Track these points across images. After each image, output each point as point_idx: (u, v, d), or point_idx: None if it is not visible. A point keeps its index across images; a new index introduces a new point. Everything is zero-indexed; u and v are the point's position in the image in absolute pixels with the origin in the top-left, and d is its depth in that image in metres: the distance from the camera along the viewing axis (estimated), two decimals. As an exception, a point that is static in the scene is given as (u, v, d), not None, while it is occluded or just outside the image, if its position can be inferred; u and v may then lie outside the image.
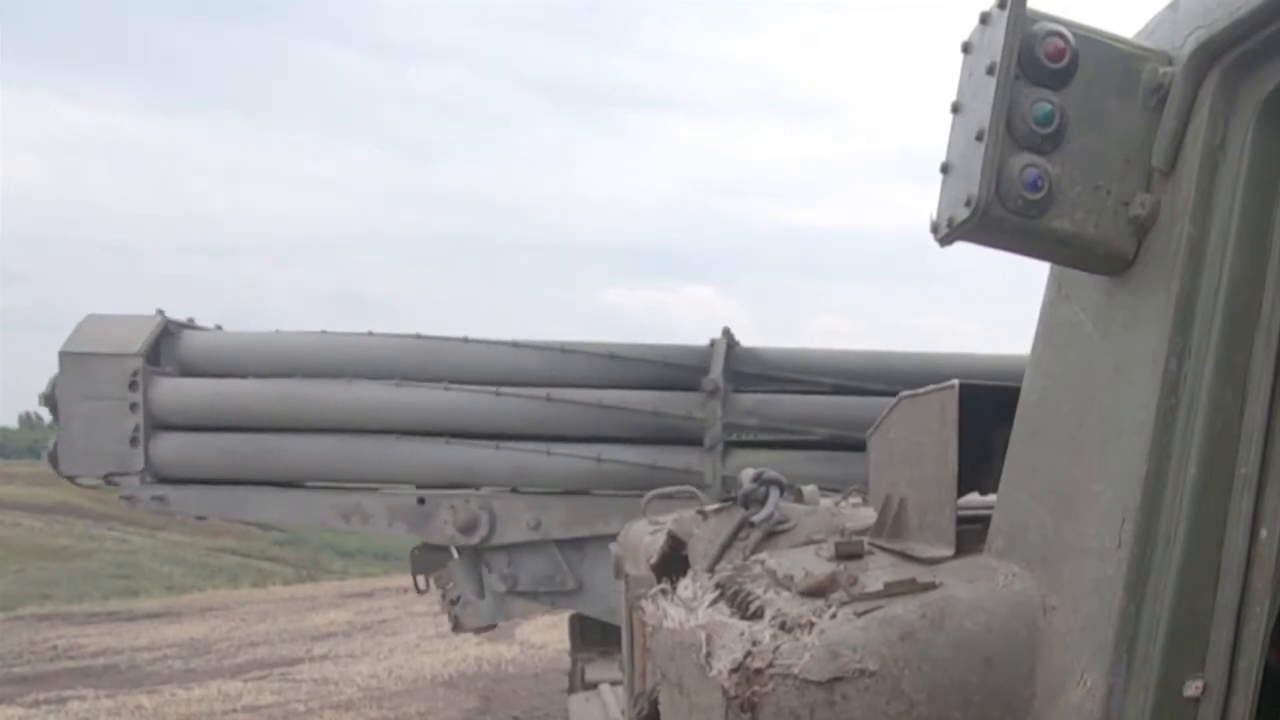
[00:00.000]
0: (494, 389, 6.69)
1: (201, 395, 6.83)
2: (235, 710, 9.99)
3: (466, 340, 6.91)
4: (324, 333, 7.18)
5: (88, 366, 6.62)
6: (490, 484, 6.80)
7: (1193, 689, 1.15)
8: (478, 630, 7.44)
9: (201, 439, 6.76)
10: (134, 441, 6.61)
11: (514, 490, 6.82)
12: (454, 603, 6.99)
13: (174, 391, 6.81)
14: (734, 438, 6.72)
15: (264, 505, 7.12)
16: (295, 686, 10.97)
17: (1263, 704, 1.15)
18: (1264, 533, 1.14)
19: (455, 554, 6.97)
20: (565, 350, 6.83)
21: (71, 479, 7.00)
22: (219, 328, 7.27)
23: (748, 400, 6.73)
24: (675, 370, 6.78)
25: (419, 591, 7.75)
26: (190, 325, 7.06)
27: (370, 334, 7.09)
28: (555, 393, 6.67)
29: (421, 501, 6.79)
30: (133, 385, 6.60)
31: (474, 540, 6.71)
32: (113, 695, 10.49)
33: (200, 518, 8.31)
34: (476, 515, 6.69)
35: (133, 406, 6.60)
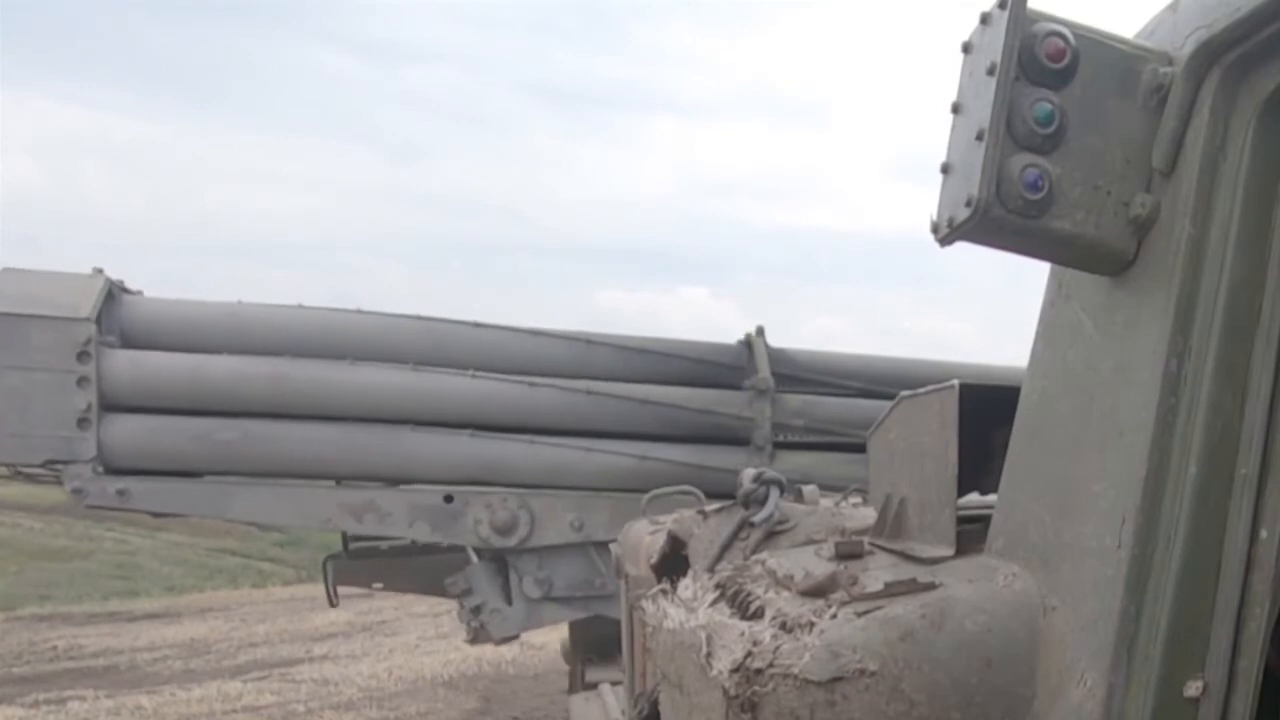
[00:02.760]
0: (527, 380, 6.13)
1: (170, 372, 5.82)
2: (235, 710, 9.98)
3: (478, 325, 6.27)
4: (301, 307, 6.25)
5: (20, 331, 5.49)
6: (522, 482, 6.17)
7: (1193, 689, 1.15)
8: (502, 641, 6.71)
9: (168, 423, 5.80)
10: (83, 423, 5.54)
11: (551, 488, 6.21)
12: (476, 611, 6.29)
13: (133, 366, 5.77)
14: (780, 438, 6.47)
15: (254, 503, 6.08)
16: (295, 687, 10.97)
17: (1263, 704, 1.15)
18: (1264, 533, 1.13)
19: (474, 557, 6.33)
20: (591, 342, 6.38)
21: None
22: (140, 293, 6.24)
23: (793, 401, 6.51)
24: (708, 367, 6.47)
25: (332, 605, 7.06)
26: (124, 289, 6.04)
27: (359, 311, 6.21)
28: (595, 386, 6.20)
29: (449, 499, 6.08)
30: (82, 356, 5.52)
31: (511, 542, 6.11)
32: (113, 695, 10.48)
33: (157, 514, 6.82)
34: (515, 515, 6.09)
35: (81, 382, 5.53)
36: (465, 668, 11.76)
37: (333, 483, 6.22)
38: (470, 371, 6.06)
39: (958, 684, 1.26)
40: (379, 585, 7.48)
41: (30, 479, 5.99)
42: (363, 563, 6.78)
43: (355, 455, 6.02)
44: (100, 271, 5.86)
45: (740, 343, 6.61)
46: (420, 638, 13.69)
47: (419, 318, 6.22)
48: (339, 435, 5.97)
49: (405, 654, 12.76)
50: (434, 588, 7.18)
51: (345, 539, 6.78)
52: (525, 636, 12.62)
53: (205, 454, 5.84)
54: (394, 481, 6.17)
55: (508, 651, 12.28)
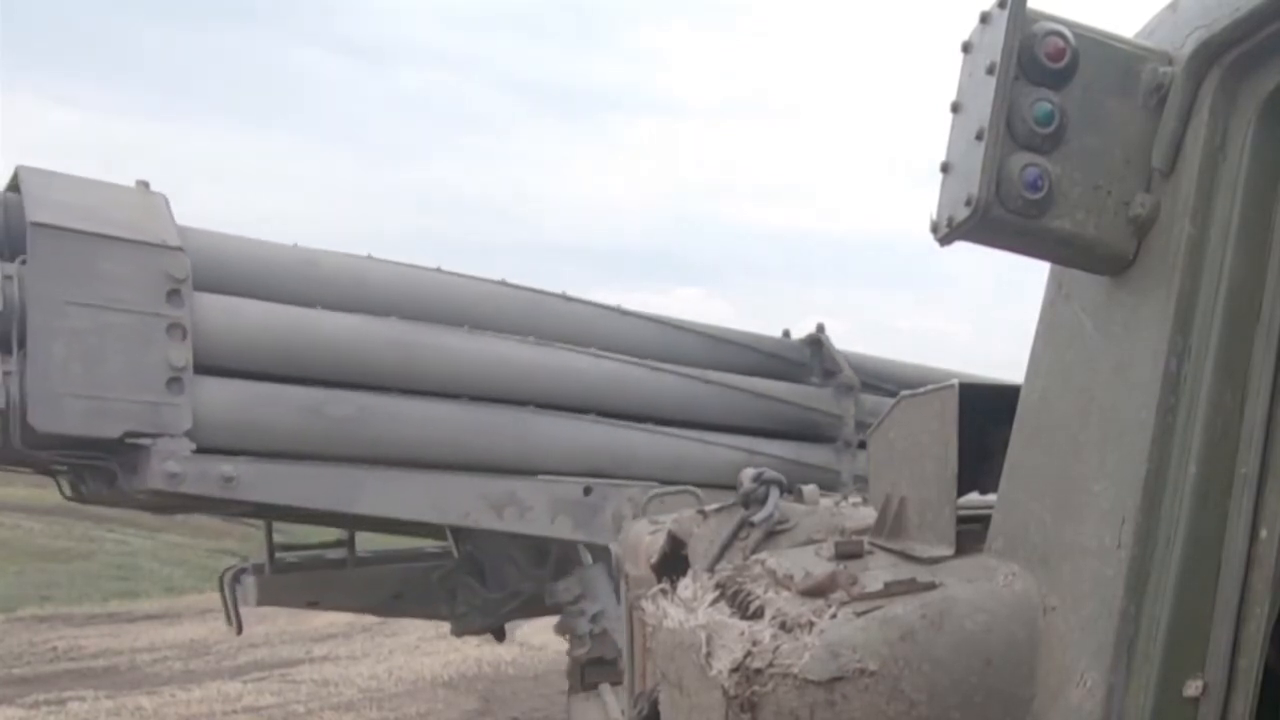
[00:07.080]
0: (652, 364, 5.66)
1: (276, 326, 4.68)
2: (235, 711, 9.98)
3: (567, 298, 5.71)
4: (371, 259, 5.22)
5: (82, 255, 4.10)
6: (644, 475, 5.51)
7: (1193, 689, 1.15)
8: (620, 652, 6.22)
9: (271, 391, 4.68)
10: (173, 385, 4.30)
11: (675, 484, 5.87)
12: (595, 619, 5.59)
13: (229, 316, 4.56)
14: (862, 437, 6.30)
15: (387, 494, 4.96)
16: (295, 688, 10.96)
17: (1263, 704, 1.15)
18: (1264, 533, 1.13)
19: (587, 559, 5.69)
20: (680, 327, 6.03)
21: (40, 446, 4.29)
22: None
23: (868, 400, 6.42)
24: (778, 362, 6.33)
25: (238, 632, 6.12)
26: None
27: (439, 270, 5.40)
28: (711, 375, 5.90)
29: (587, 492, 5.42)
30: (172, 297, 4.28)
31: None
32: (113, 696, 10.48)
33: (256, 507, 5.15)
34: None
35: (172, 330, 4.29)
36: (465, 668, 11.76)
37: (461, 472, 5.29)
38: (592, 350, 5.51)
39: (957, 684, 1.26)
40: (313, 603, 6.62)
41: (43, 472, 4.66)
42: (294, 576, 5.94)
43: (490, 440, 5.18)
44: (147, 185, 4.51)
45: (803, 340, 6.52)
46: (420, 638, 13.67)
47: (505, 284, 5.51)
48: (466, 415, 5.15)
49: (405, 654, 12.76)
50: (375, 605, 6.61)
51: (270, 549, 5.87)
52: (525, 637, 12.68)
53: (317, 432, 4.76)
54: (527, 471, 5.40)
55: (507, 652, 12.29)
